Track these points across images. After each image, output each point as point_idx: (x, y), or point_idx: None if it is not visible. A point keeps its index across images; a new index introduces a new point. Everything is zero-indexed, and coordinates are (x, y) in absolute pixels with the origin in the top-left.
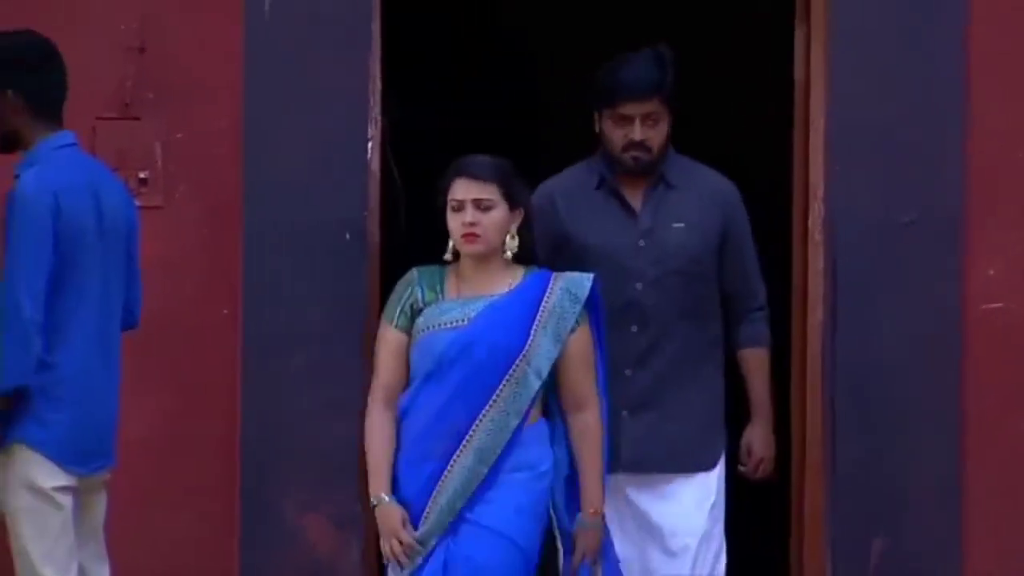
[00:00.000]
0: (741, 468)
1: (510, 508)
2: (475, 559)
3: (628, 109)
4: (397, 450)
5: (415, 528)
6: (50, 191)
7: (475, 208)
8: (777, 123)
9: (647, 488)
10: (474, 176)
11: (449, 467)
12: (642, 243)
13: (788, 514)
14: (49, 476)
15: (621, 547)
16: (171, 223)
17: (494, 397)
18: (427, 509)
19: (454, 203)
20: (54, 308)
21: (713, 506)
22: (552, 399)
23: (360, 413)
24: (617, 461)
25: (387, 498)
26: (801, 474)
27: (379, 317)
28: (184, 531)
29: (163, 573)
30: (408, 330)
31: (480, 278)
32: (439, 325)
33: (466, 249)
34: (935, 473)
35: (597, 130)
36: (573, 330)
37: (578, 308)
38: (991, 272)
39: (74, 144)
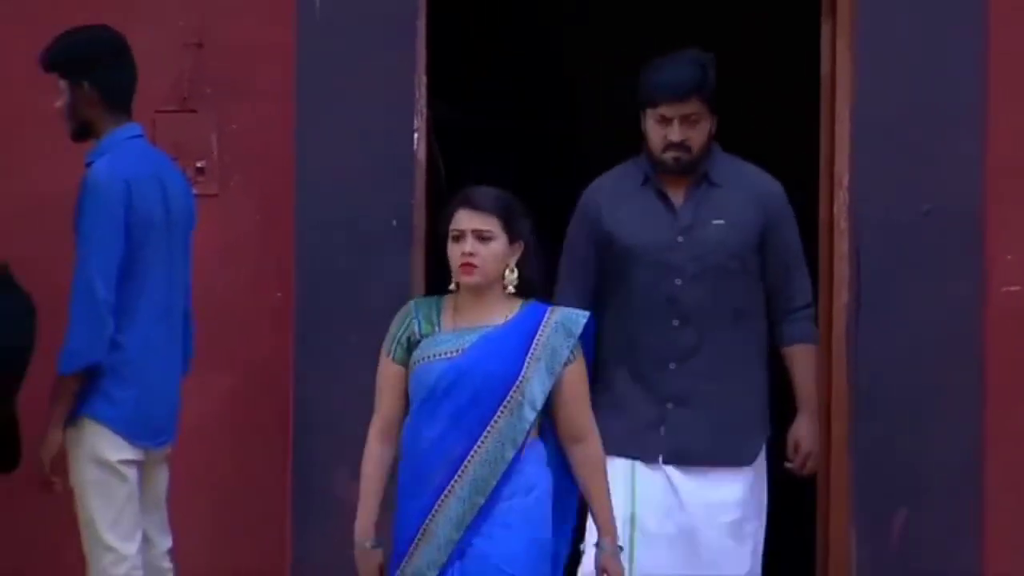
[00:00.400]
0: (788, 465)
1: (515, 543)
2: (488, 555)
3: (668, 110)
4: (400, 482)
5: (404, 554)
6: (122, 179)
7: (475, 239)
8: (803, 116)
9: (689, 478)
10: (476, 207)
11: (443, 498)
12: (681, 239)
13: (815, 490)
14: (116, 449)
15: (666, 535)
16: (226, 210)
17: (489, 428)
18: (416, 540)
19: (455, 232)
20: (123, 291)
21: (747, 501)
22: (545, 421)
23: None
24: (661, 452)
25: (368, 543)
26: (827, 450)
27: None
28: (238, 510)
29: (217, 549)
30: (405, 362)
31: (477, 309)
32: (433, 356)
33: (464, 280)
34: (956, 450)
35: (643, 129)
36: (567, 363)
37: (572, 342)
38: (1009, 257)
39: (141, 135)
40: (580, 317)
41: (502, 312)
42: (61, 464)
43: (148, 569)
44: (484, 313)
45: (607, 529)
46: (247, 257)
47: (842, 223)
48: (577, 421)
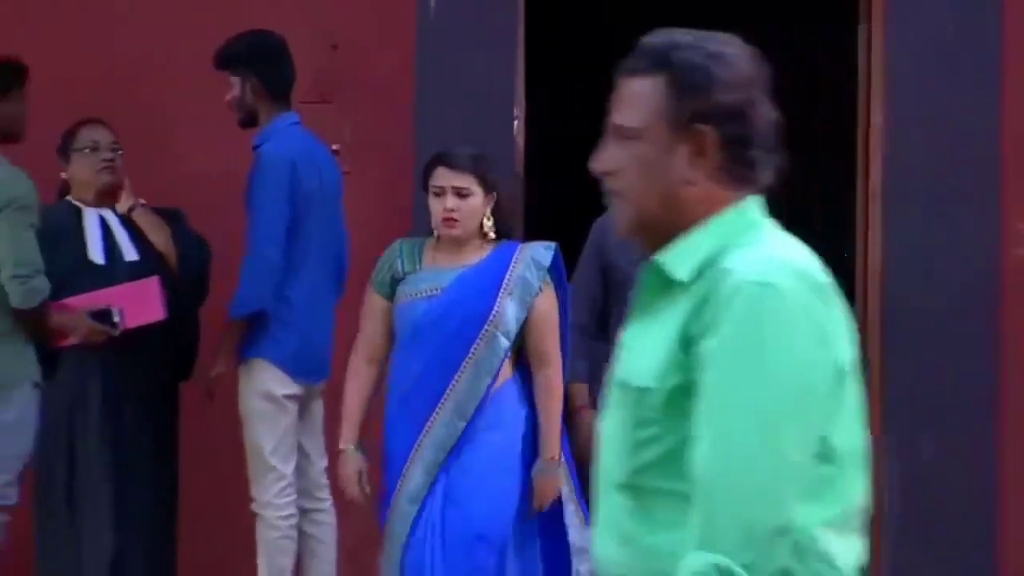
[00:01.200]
0: None
1: (490, 473)
2: (463, 506)
3: None
4: (387, 408)
5: (399, 472)
6: (288, 160)
7: (454, 195)
8: (843, 106)
9: None
10: (453, 166)
11: (429, 425)
12: None
13: None
14: (280, 385)
15: None
16: (356, 187)
17: (467, 359)
18: (408, 462)
19: (435, 189)
20: (290, 252)
21: None
22: (522, 359)
23: None
24: None
25: (351, 448)
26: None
27: None
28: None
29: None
30: (389, 297)
31: (455, 251)
32: (415, 294)
33: (446, 233)
34: (975, 383)
35: None
36: (537, 294)
37: (542, 274)
38: (1021, 226)
39: (299, 123)
40: (548, 250)
41: (477, 253)
42: (219, 384)
43: (309, 483)
44: (462, 254)
45: (547, 449)
46: (374, 226)
47: (877, 190)
48: (542, 346)
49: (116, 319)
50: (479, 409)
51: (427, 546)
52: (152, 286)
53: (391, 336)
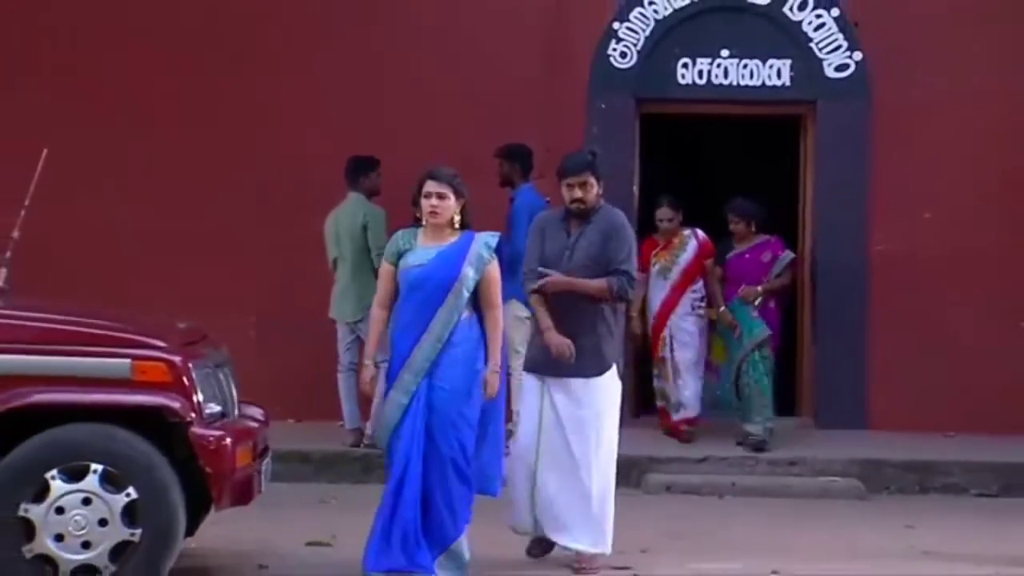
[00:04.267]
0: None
1: (459, 379)
2: (447, 387)
3: (571, 181)
4: (391, 335)
5: (395, 376)
6: (531, 208)
7: (437, 198)
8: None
9: (562, 386)
10: (437, 179)
11: (419, 346)
12: (566, 251)
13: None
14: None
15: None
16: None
17: (443, 304)
18: (407, 363)
19: (426, 192)
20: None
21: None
22: (478, 306)
23: None
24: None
25: (370, 362)
26: (802, 338)
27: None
28: None
29: None
30: (396, 265)
31: (437, 236)
32: (410, 265)
33: (431, 221)
34: (853, 313)
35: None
36: (487, 264)
37: (490, 252)
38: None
39: (533, 188)
40: (494, 237)
41: (450, 238)
42: None
43: None
44: (440, 238)
45: (492, 359)
46: None
47: (808, 220)
48: (489, 296)
49: None
50: (451, 334)
51: (414, 429)
52: None
53: (396, 291)
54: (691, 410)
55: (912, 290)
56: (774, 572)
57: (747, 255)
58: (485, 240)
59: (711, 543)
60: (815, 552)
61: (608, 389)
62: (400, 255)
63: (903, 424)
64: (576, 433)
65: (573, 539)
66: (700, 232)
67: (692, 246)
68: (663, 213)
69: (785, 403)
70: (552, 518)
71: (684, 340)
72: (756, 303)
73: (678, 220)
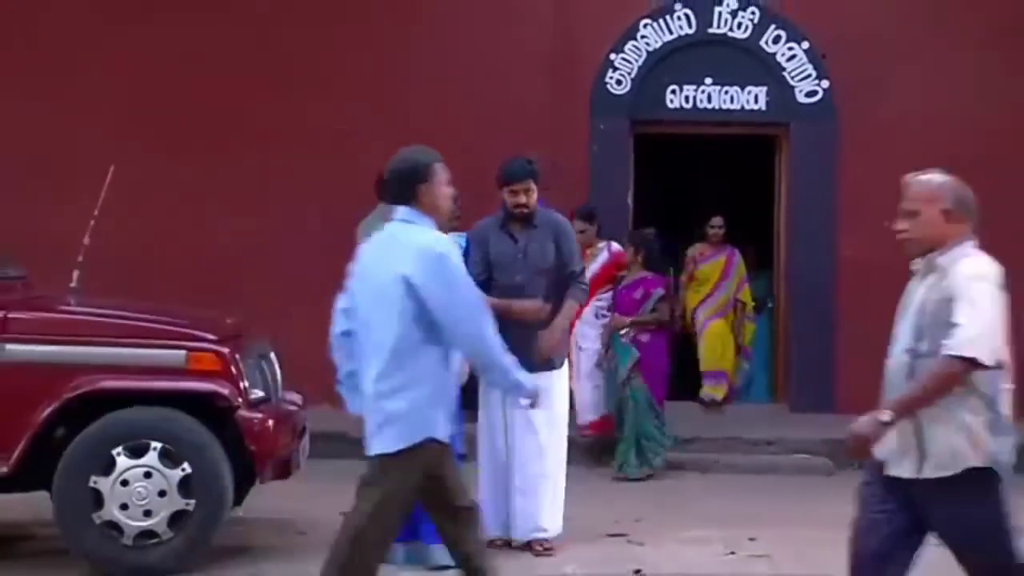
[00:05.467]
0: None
1: None
2: None
3: (516, 187)
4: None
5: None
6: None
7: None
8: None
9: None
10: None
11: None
12: (519, 255)
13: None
14: None
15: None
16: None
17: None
18: None
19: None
20: None
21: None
22: None
23: None
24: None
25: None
26: (779, 334)
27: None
28: None
29: None
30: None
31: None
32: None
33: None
34: (823, 313)
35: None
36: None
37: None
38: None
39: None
40: (461, 237)
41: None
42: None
43: None
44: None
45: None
46: None
47: (782, 255)
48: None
49: None
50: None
51: None
52: None
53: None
54: (590, 414)
55: (874, 292)
56: (751, 539)
57: (624, 289)
58: (457, 240)
59: (696, 513)
60: (788, 520)
61: (564, 378)
62: None
63: (866, 408)
64: (546, 425)
65: (542, 529)
66: (615, 245)
67: (603, 257)
68: (576, 225)
69: (764, 390)
70: (528, 516)
71: (584, 346)
72: (623, 333)
73: (591, 232)
